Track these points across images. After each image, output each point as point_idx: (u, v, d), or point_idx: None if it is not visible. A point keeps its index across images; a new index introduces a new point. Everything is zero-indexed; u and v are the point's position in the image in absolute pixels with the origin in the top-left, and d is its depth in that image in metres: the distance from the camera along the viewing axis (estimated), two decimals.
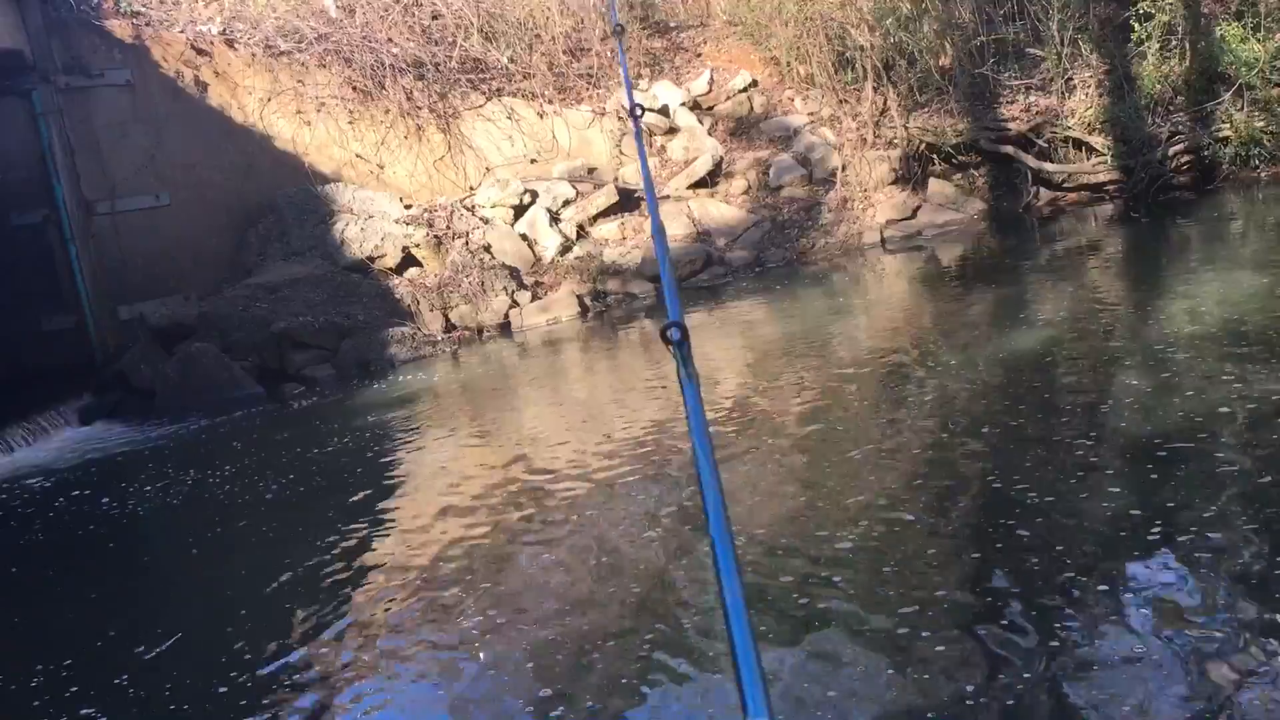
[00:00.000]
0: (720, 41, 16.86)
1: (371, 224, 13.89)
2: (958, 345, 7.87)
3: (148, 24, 14.22)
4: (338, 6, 15.34)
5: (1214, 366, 6.07)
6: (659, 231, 1.76)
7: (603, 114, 15.60)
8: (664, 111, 15.79)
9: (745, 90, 16.03)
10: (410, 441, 8.49)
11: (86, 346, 13.12)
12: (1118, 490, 4.65)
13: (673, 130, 15.67)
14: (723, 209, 14.57)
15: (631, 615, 4.39)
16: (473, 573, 5.18)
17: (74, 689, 4.66)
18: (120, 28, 13.85)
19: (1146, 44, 13.16)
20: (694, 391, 1.22)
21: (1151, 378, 6.07)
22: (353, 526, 6.36)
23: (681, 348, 1.20)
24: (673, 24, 17.53)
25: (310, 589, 5.40)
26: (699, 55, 16.86)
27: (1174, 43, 13.11)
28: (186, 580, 6.37)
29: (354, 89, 14.77)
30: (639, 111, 2.80)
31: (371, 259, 13.65)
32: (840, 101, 15.13)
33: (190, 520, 7.37)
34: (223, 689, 4.41)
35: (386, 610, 4.96)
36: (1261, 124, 12.44)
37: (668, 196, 14.75)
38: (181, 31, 14.34)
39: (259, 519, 6.99)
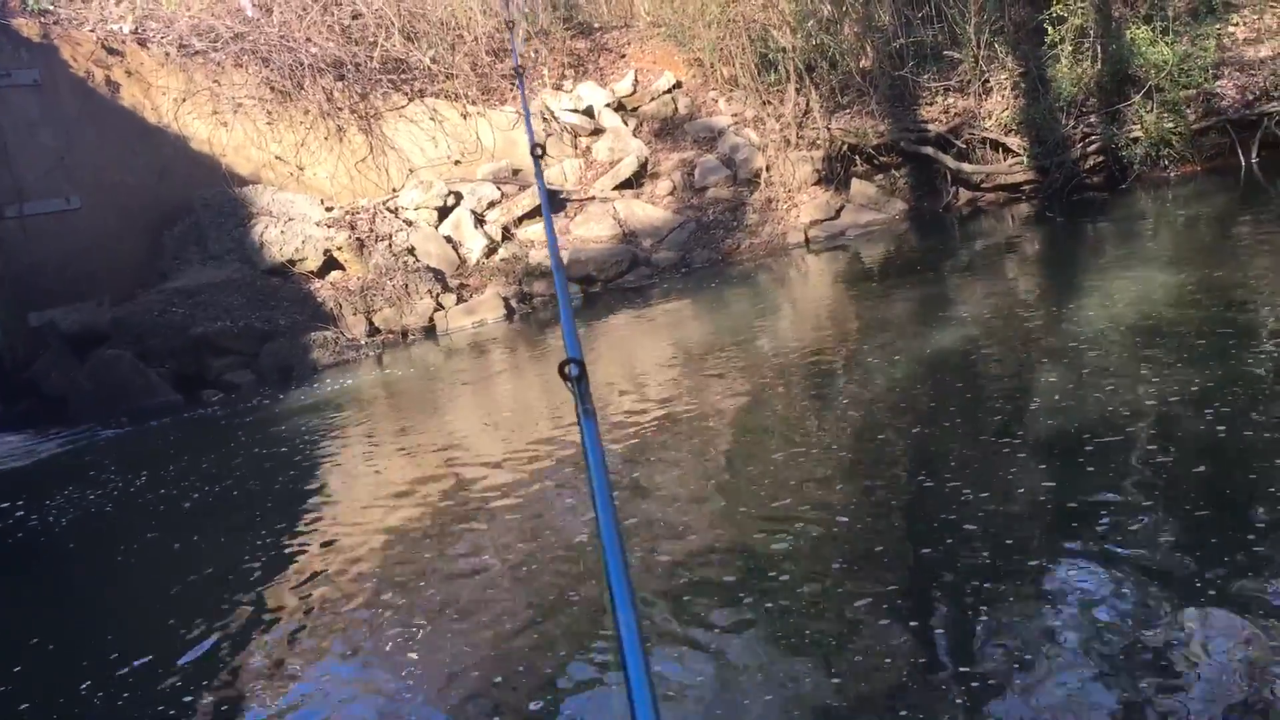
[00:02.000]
0: (644, 43, 16.90)
1: (292, 226, 13.67)
2: (882, 344, 7.96)
3: (56, 23, 13.84)
4: (254, 5, 15.07)
5: (1130, 362, 6.22)
6: (558, 268, 1.75)
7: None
8: (588, 112, 15.77)
9: (669, 91, 16.09)
10: (332, 448, 8.36)
11: None
12: (1047, 484, 4.72)
13: (598, 131, 15.66)
14: (648, 210, 14.59)
15: (554, 624, 4.36)
16: (398, 581, 5.11)
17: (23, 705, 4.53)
18: (27, 26, 13.46)
19: (1060, 47, 13.45)
20: (592, 428, 1.20)
21: (1072, 373, 6.20)
22: (273, 536, 6.24)
23: (580, 384, 1.19)
24: (597, 25, 17.52)
25: (232, 599, 5.28)
26: (623, 56, 16.88)
27: (1086, 46, 13.41)
28: (108, 592, 6.20)
29: (272, 89, 14.53)
30: (538, 152, 2.79)
31: (292, 262, 13.43)
32: (764, 103, 15.24)
33: (107, 530, 7.18)
34: (148, 702, 4.30)
35: (310, 619, 4.87)
36: (1170, 125, 12.79)
37: (593, 198, 14.74)
38: (92, 30, 13.98)
39: (178, 528, 6.83)
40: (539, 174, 2.80)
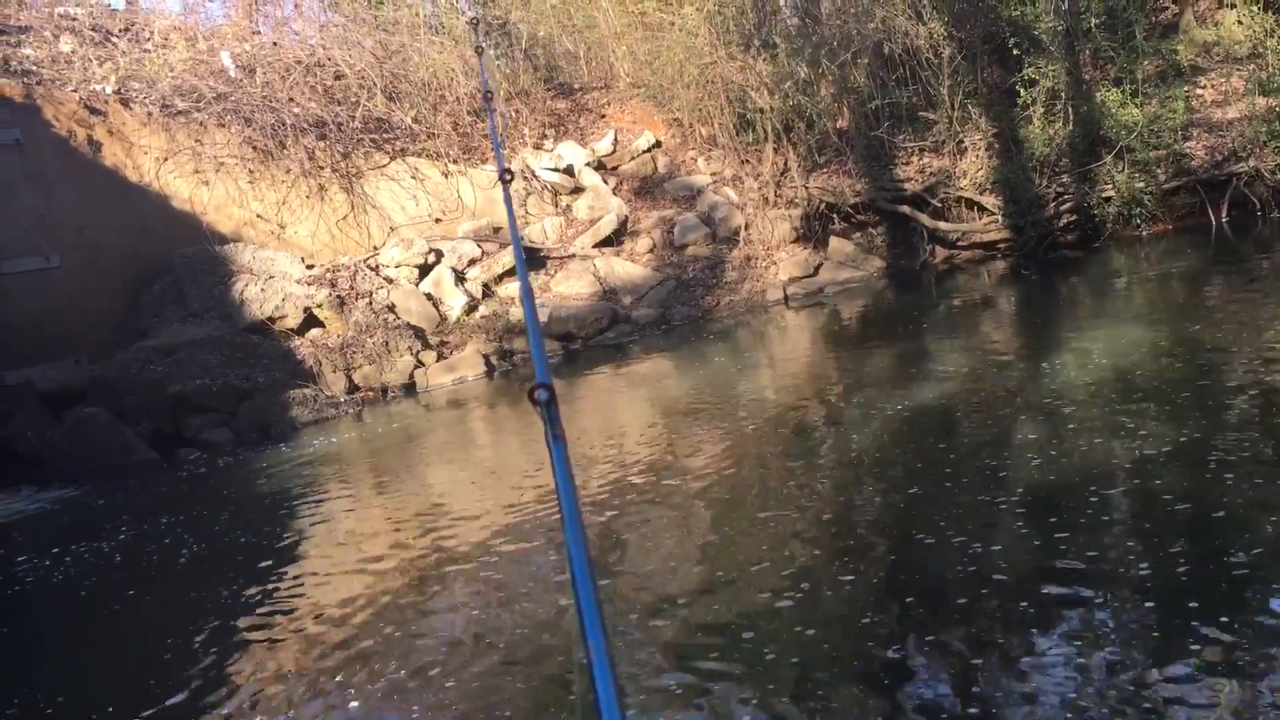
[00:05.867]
0: (624, 103, 17.10)
1: (272, 284, 13.67)
2: (863, 401, 7.99)
3: (39, 83, 13.91)
4: (237, 66, 15.20)
5: (1108, 417, 6.26)
6: (528, 295, 1.77)
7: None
8: (569, 171, 15.91)
9: (649, 150, 16.26)
10: (310, 507, 8.29)
11: None
12: (1031, 542, 4.72)
13: (578, 190, 15.79)
14: (628, 267, 14.67)
15: (536, 678, 4.32)
16: (377, 638, 5.05)
17: None
18: (9, 87, 13.52)
19: (1032, 108, 13.69)
20: (561, 453, 1.21)
21: (1051, 429, 6.23)
22: (250, 595, 6.16)
23: (549, 409, 1.20)
24: (577, 85, 17.74)
25: (209, 657, 5.21)
26: (603, 116, 17.07)
27: (1058, 107, 13.66)
28: (80, 652, 6.09)
29: (254, 148, 14.60)
30: (508, 177, 2.81)
31: (272, 320, 13.41)
32: (742, 162, 15.42)
33: (78, 592, 7.07)
34: None
35: (291, 676, 4.80)
36: (1141, 184, 12.99)
37: (574, 255, 14.82)
38: (74, 90, 14.05)
39: (152, 589, 6.74)
40: (507, 199, 2.81)
